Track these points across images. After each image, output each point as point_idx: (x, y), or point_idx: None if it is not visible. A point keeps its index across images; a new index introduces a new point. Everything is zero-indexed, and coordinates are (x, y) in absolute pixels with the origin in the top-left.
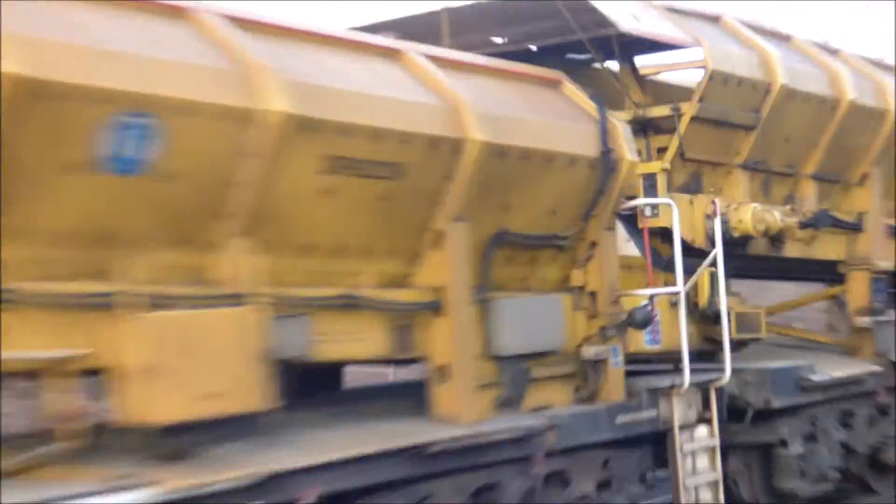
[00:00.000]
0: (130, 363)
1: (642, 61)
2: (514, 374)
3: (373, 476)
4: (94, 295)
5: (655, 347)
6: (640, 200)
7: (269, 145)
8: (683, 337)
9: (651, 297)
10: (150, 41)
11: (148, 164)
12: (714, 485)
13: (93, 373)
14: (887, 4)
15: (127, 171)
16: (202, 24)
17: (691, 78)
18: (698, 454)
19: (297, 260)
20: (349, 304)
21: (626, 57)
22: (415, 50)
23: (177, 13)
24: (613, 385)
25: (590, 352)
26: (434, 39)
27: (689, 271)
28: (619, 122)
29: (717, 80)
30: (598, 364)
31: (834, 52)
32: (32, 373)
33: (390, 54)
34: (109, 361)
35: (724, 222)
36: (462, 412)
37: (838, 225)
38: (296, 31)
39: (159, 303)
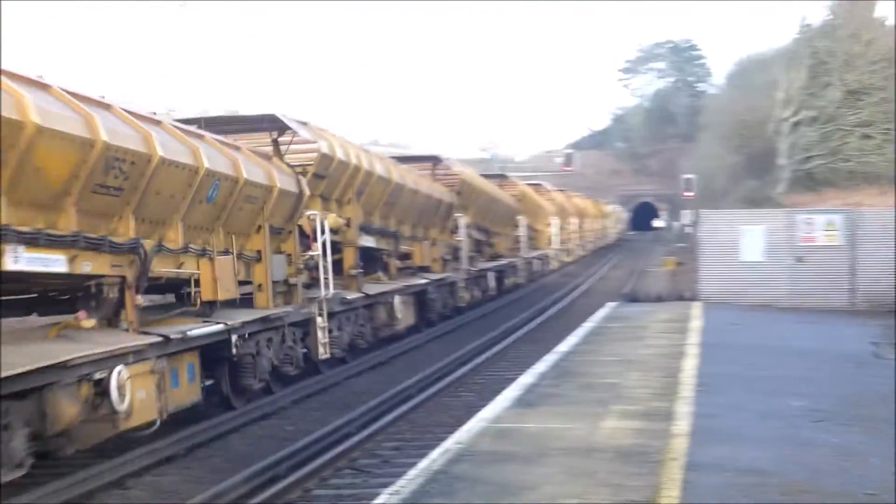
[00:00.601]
0: (209, 277)
1: None
2: (277, 290)
3: (255, 328)
4: (201, 250)
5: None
6: (309, 213)
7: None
8: (329, 272)
9: (312, 256)
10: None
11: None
12: (325, 345)
13: (196, 281)
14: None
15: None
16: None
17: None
18: (321, 332)
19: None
20: (228, 254)
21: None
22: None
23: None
24: (300, 296)
25: (293, 280)
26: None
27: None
28: (303, 178)
29: (325, 158)
30: (294, 286)
31: None
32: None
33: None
34: (202, 277)
35: (323, 222)
36: (268, 305)
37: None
38: None
39: (214, 254)
